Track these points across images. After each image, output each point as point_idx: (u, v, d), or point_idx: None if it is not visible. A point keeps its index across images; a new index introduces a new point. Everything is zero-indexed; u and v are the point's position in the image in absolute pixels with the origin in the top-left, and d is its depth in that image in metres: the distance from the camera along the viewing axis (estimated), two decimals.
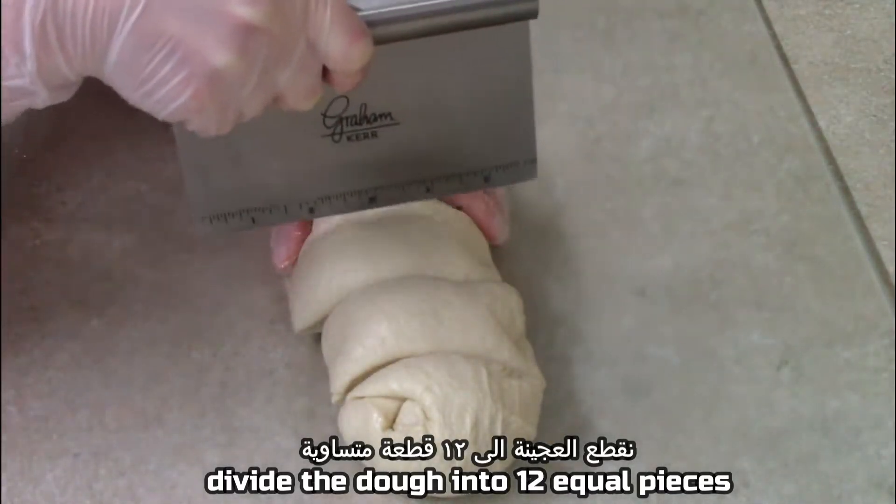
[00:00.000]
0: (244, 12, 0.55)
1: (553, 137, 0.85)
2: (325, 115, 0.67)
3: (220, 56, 0.55)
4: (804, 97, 0.90)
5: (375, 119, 0.67)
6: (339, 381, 0.66)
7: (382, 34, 0.61)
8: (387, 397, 0.64)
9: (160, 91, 0.56)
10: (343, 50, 0.59)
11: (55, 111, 0.84)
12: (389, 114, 0.67)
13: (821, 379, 0.72)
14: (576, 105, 0.88)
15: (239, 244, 0.77)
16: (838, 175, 0.84)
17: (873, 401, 0.71)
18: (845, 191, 0.83)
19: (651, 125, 0.87)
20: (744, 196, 0.82)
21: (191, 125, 0.58)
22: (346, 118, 0.67)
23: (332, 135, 0.67)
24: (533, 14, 0.64)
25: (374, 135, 0.68)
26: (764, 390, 0.71)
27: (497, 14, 0.63)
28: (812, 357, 0.73)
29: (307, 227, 0.73)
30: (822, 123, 0.88)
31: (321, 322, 0.69)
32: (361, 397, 0.65)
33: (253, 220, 0.70)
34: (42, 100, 0.58)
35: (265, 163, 0.68)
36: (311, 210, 0.70)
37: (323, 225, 0.72)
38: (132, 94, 0.57)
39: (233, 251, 0.77)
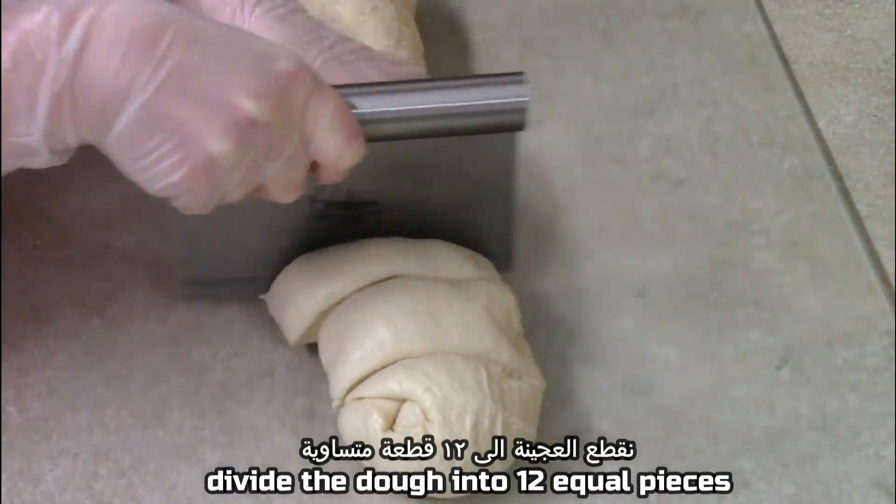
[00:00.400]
0: (249, 107, 0.58)
1: (553, 137, 0.86)
2: (313, 199, 0.68)
3: (217, 145, 0.58)
4: (804, 97, 0.90)
5: (361, 206, 0.70)
6: (338, 386, 0.66)
7: (375, 133, 0.63)
8: (387, 398, 0.64)
9: (155, 168, 0.58)
10: (338, 149, 0.61)
11: None
12: (376, 202, 0.70)
13: (821, 379, 0.72)
14: (576, 105, 0.88)
15: None
16: (838, 175, 0.84)
17: (873, 401, 0.71)
18: (845, 191, 0.83)
19: (651, 125, 0.87)
20: (744, 196, 0.82)
21: (176, 202, 0.60)
22: (334, 203, 0.69)
23: (319, 217, 0.70)
24: (520, 127, 0.67)
25: (360, 220, 0.70)
26: (764, 390, 0.71)
27: (486, 123, 0.66)
28: (812, 357, 0.73)
29: None
30: (821, 123, 0.88)
31: (314, 330, 0.69)
32: (361, 398, 0.65)
33: (234, 290, 0.73)
34: (43, 161, 0.59)
35: (253, 237, 0.70)
36: None
37: None
38: (128, 166, 0.59)
39: None
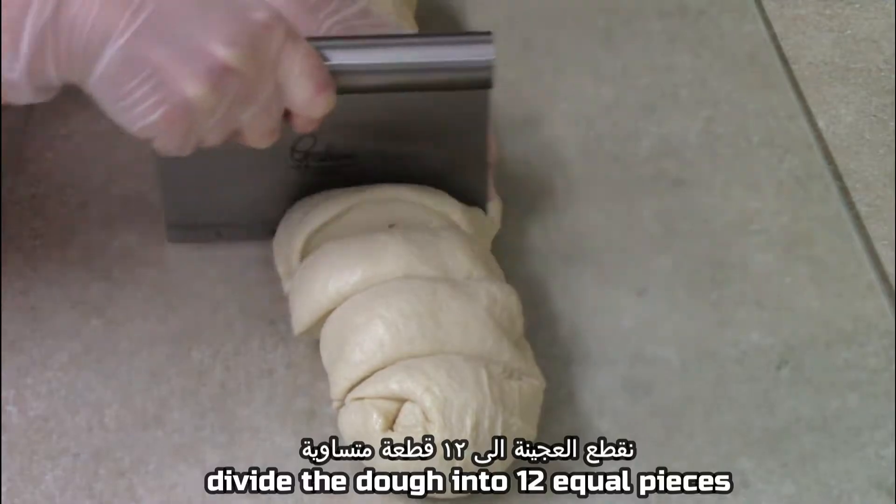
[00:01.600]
0: (222, 53, 0.60)
1: (553, 137, 0.86)
2: (293, 149, 0.72)
3: (193, 88, 0.60)
4: (804, 97, 0.90)
5: (339, 158, 0.72)
6: (338, 387, 0.66)
7: (346, 84, 0.66)
8: (387, 398, 0.64)
9: (134, 109, 0.61)
10: (308, 98, 0.64)
11: (55, 111, 0.85)
12: (353, 155, 0.72)
13: (821, 379, 0.72)
14: (576, 105, 0.88)
15: (239, 243, 0.77)
16: (838, 175, 0.84)
17: (873, 401, 0.71)
18: (845, 191, 0.83)
19: (651, 125, 0.87)
20: (744, 196, 0.82)
21: (156, 143, 0.63)
22: (312, 154, 0.72)
23: (298, 166, 0.73)
24: (488, 85, 0.69)
25: (337, 171, 0.73)
26: (764, 390, 0.71)
27: (454, 79, 0.69)
28: (812, 357, 0.73)
29: None
30: (821, 123, 0.88)
31: (320, 325, 0.69)
32: (361, 398, 0.65)
33: (218, 234, 0.77)
34: (25, 97, 0.62)
35: (235, 184, 0.74)
36: (273, 231, 0.74)
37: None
38: (110, 107, 0.62)
39: (233, 252, 0.77)
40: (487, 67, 0.68)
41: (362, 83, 0.67)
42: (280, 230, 0.74)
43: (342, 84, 0.66)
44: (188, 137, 0.62)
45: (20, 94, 0.62)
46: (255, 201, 0.75)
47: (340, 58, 0.66)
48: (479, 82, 0.69)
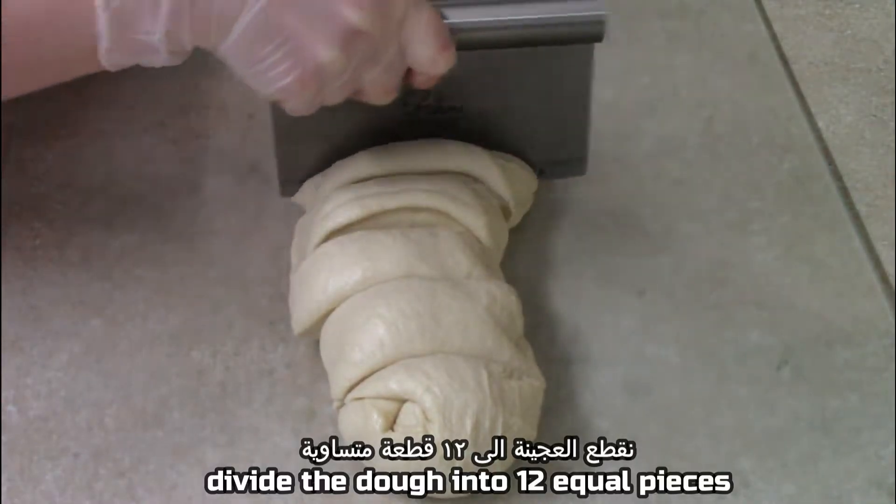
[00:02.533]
0: (352, 16, 0.63)
1: None
2: (404, 103, 0.74)
3: (325, 52, 0.63)
4: (804, 97, 0.90)
5: (447, 110, 0.76)
6: (338, 387, 0.66)
7: (464, 42, 0.69)
8: (387, 398, 0.64)
9: (268, 73, 0.64)
10: (431, 56, 0.67)
11: (55, 111, 0.85)
12: (461, 107, 0.76)
13: (821, 379, 0.72)
14: None
15: (239, 243, 0.77)
16: (837, 175, 0.84)
17: (873, 401, 0.71)
18: (844, 191, 0.83)
19: (651, 125, 0.87)
20: (744, 196, 0.82)
21: (285, 105, 0.67)
22: (423, 106, 0.76)
23: (410, 119, 0.76)
24: (598, 38, 0.73)
25: (445, 124, 0.76)
26: (764, 390, 0.71)
27: (566, 34, 0.72)
28: (812, 357, 0.73)
29: None
30: (821, 123, 0.88)
31: (320, 325, 0.69)
32: (361, 398, 0.65)
33: None
34: (161, 60, 0.65)
35: (346, 137, 0.76)
36: None
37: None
38: (242, 71, 0.65)
39: (234, 250, 0.77)
40: (600, 21, 0.71)
41: (479, 39, 0.70)
42: (302, 221, 0.74)
43: (460, 41, 0.69)
44: (317, 98, 0.66)
45: (156, 58, 0.64)
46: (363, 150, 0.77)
47: (459, 16, 0.69)
48: (591, 36, 0.72)
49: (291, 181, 0.77)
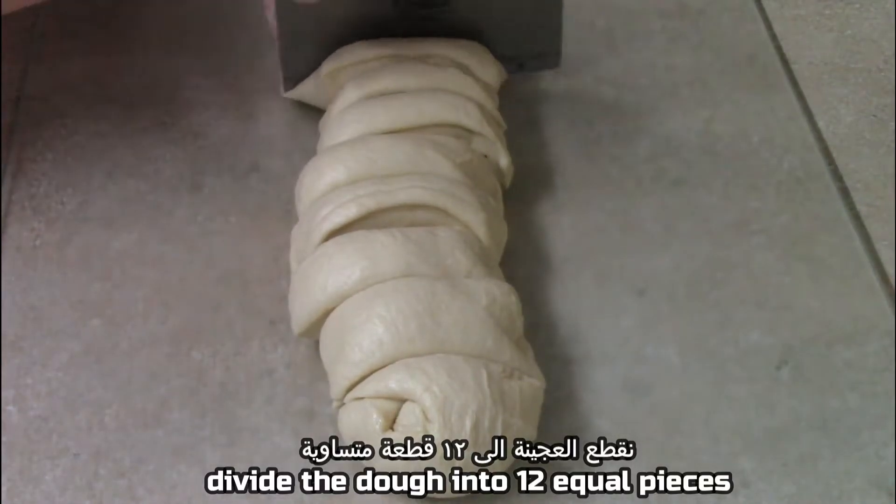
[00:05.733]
0: None
1: (553, 137, 0.86)
2: (395, 0, 0.82)
3: None
4: (804, 97, 0.90)
5: (436, 5, 0.83)
6: (338, 387, 0.66)
7: None
8: (387, 398, 0.64)
9: None
10: None
11: (55, 111, 0.85)
12: (447, 2, 0.82)
13: (821, 379, 0.72)
14: (576, 105, 0.88)
15: (239, 243, 0.77)
16: (838, 175, 0.84)
17: (873, 401, 0.71)
18: (845, 191, 0.83)
19: (651, 125, 0.87)
20: (744, 196, 0.82)
21: None
22: (413, 3, 0.82)
23: (401, 14, 0.82)
24: None
25: (434, 18, 0.83)
26: (764, 390, 0.71)
27: None
28: (812, 357, 0.73)
29: None
30: (821, 123, 0.88)
31: (320, 324, 0.69)
32: (361, 398, 0.65)
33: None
34: None
35: (342, 32, 0.82)
36: None
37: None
38: None
39: (234, 250, 0.77)
40: None
41: None
42: (296, 229, 0.74)
43: None
44: None
45: None
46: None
47: None
48: None
49: (293, 79, 0.83)
